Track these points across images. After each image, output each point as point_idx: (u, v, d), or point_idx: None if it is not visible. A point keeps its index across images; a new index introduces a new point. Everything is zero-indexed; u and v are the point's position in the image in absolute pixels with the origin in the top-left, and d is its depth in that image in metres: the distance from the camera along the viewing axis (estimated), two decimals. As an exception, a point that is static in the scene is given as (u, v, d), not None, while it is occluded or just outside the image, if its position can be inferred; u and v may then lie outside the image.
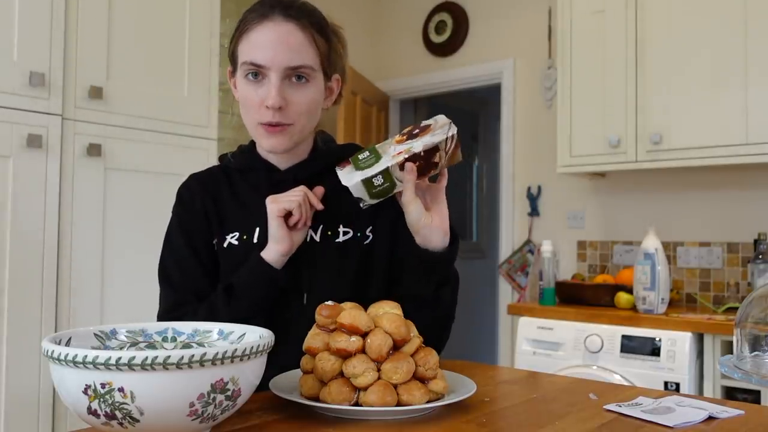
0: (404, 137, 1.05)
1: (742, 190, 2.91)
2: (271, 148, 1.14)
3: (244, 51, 1.11)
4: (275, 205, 1.08)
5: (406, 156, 1.01)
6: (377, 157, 1.04)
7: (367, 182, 1.03)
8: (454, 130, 1.01)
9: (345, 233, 1.17)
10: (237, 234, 1.17)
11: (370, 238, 1.18)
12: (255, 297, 1.10)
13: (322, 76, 1.15)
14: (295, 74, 1.10)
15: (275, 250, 1.10)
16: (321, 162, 1.21)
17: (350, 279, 1.16)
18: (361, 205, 1.06)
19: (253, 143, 1.24)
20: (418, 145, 1.01)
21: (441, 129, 1.03)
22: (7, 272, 1.90)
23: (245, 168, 1.22)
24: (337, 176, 1.12)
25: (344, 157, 1.14)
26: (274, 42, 1.09)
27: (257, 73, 1.10)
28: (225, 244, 1.17)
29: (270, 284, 1.10)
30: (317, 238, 1.16)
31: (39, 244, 1.97)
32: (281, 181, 1.18)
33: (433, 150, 1.01)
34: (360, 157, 1.06)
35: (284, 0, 1.13)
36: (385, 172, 1.02)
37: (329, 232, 1.17)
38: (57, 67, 2.02)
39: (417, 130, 1.05)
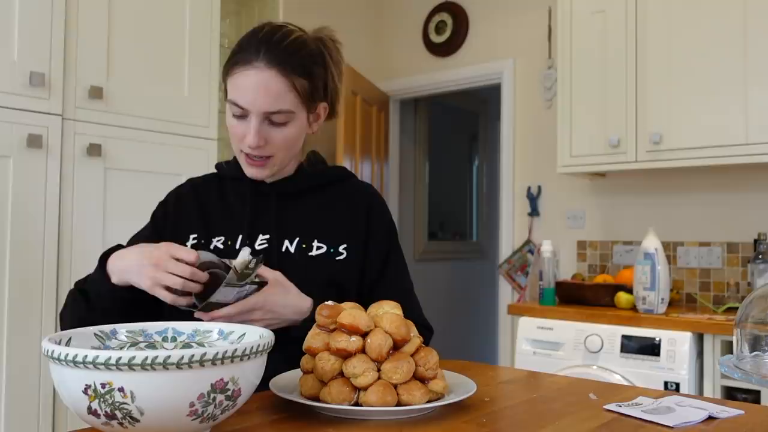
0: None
1: (742, 190, 2.91)
2: (252, 176, 1.24)
3: (231, 90, 1.19)
4: (157, 276, 1.03)
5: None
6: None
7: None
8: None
9: (318, 248, 1.22)
10: (222, 238, 1.24)
11: (344, 255, 1.23)
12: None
13: (304, 114, 1.22)
14: (274, 118, 1.17)
15: (129, 279, 1.08)
16: (304, 181, 1.29)
17: (318, 290, 1.17)
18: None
19: None
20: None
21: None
22: (7, 272, 1.90)
23: (234, 177, 1.30)
24: (318, 196, 1.27)
25: (329, 180, 1.29)
26: (254, 88, 1.15)
27: (240, 113, 1.18)
28: (211, 247, 1.23)
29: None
30: (292, 249, 1.22)
31: (39, 244, 1.97)
32: (265, 193, 1.27)
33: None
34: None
35: (272, 40, 1.18)
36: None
37: (304, 245, 1.22)
38: (57, 67, 2.02)
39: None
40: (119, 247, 1.18)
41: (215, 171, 1.36)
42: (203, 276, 1.03)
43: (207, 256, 1.05)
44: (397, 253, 1.32)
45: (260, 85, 1.15)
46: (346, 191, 1.32)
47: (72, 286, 1.25)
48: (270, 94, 1.15)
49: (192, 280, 1.02)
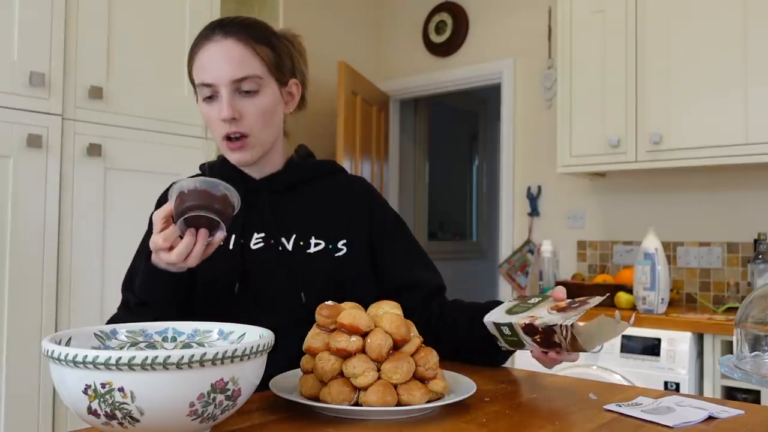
0: (561, 305, 1.05)
1: (742, 190, 2.91)
2: (237, 163, 1.20)
3: (196, 74, 1.17)
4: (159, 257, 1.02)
5: (527, 322, 1.02)
6: (527, 309, 1.07)
7: (497, 327, 1.06)
8: (570, 321, 0.97)
9: (317, 245, 1.19)
10: None
11: (344, 251, 1.20)
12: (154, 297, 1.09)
13: (274, 84, 1.19)
14: (243, 86, 1.15)
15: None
16: (294, 175, 1.26)
17: (317, 288, 1.15)
18: (498, 343, 1.09)
19: None
20: (541, 321, 1.01)
21: (573, 313, 1.00)
22: (7, 272, 1.90)
23: (221, 177, 1.22)
24: (311, 189, 1.24)
25: (320, 173, 1.27)
26: (216, 59, 1.14)
27: (210, 92, 1.15)
28: None
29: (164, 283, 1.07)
30: (289, 247, 1.18)
31: (39, 244, 1.97)
32: (256, 191, 1.23)
33: (550, 330, 0.99)
34: (529, 300, 1.09)
35: (224, 19, 1.19)
36: (511, 327, 1.04)
37: (301, 243, 1.19)
38: (57, 67, 2.02)
39: (576, 305, 1.04)
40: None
41: (199, 173, 1.30)
42: (173, 235, 0.98)
43: (194, 194, 0.97)
44: (409, 235, 1.33)
45: (221, 54, 1.14)
46: (339, 185, 1.29)
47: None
48: (233, 61, 1.13)
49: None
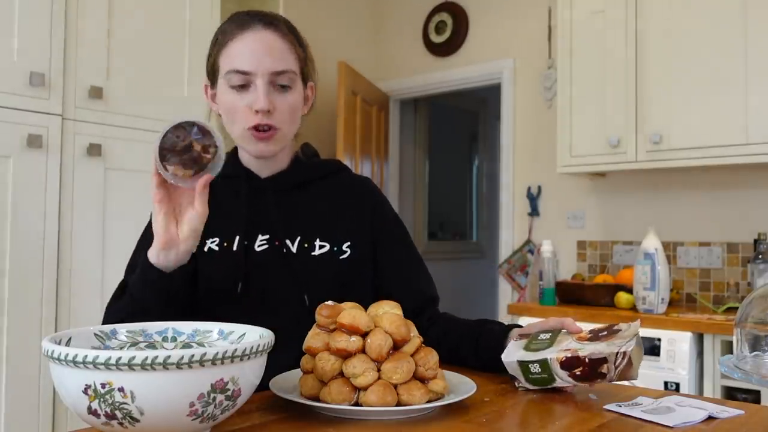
0: (586, 336, 1.00)
1: (742, 190, 2.91)
2: (259, 153, 1.17)
3: (227, 61, 1.14)
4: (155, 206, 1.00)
5: (567, 356, 0.96)
6: (548, 344, 1.01)
7: (524, 366, 1.00)
8: (628, 347, 0.93)
9: (321, 247, 1.18)
10: (217, 240, 1.18)
11: (348, 253, 1.19)
12: (147, 300, 1.04)
13: (301, 83, 1.19)
14: (279, 80, 1.14)
15: (155, 247, 1.02)
16: (301, 173, 1.25)
17: (322, 291, 1.13)
18: (516, 384, 1.03)
19: (235, 150, 1.26)
20: (585, 351, 0.95)
21: (620, 341, 0.95)
22: (7, 272, 1.90)
23: (227, 175, 1.19)
24: (316, 189, 1.23)
25: (325, 172, 1.25)
26: (257, 49, 1.12)
27: (243, 81, 1.13)
28: (205, 249, 1.17)
29: (156, 289, 1.04)
30: (294, 249, 1.17)
31: (39, 244, 1.97)
32: (261, 189, 1.21)
33: (599, 360, 0.94)
34: (539, 337, 1.04)
35: (260, 12, 1.18)
36: (543, 363, 0.98)
37: (306, 245, 1.18)
38: (57, 67, 2.02)
39: (604, 332, 1.00)
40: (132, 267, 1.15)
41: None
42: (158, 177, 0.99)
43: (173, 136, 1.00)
44: (408, 241, 1.31)
45: (262, 44, 1.12)
46: (343, 185, 1.28)
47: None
48: (274, 53, 1.12)
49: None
